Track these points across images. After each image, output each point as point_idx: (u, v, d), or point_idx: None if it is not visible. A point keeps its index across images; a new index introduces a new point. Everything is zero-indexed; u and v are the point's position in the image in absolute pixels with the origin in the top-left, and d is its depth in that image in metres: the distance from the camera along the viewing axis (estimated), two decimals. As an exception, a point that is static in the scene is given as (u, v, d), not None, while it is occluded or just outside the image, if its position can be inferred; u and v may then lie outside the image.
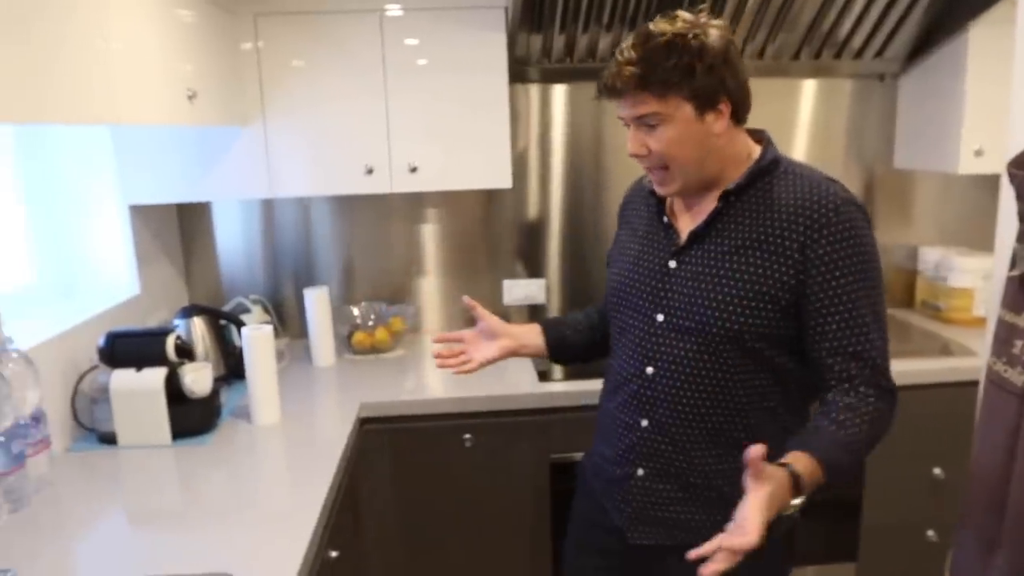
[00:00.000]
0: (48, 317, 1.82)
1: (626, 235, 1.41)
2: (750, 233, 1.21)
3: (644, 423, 1.30)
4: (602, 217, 2.49)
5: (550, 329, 1.54)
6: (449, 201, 2.48)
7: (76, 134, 1.99)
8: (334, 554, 1.43)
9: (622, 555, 1.37)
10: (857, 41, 2.30)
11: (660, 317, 1.27)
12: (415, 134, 2.10)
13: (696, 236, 1.25)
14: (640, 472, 1.32)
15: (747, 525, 0.97)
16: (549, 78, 2.39)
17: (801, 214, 1.18)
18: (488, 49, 2.08)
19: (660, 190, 1.27)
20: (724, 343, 1.22)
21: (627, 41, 1.19)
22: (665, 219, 1.31)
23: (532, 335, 1.52)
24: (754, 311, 1.19)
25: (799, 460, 1.08)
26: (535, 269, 2.53)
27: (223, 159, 2.08)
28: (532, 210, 2.50)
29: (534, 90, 2.42)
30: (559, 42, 2.22)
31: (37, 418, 1.49)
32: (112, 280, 2.08)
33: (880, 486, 2.07)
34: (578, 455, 1.88)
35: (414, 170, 2.12)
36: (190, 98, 1.66)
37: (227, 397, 1.94)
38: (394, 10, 2.04)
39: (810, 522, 1.99)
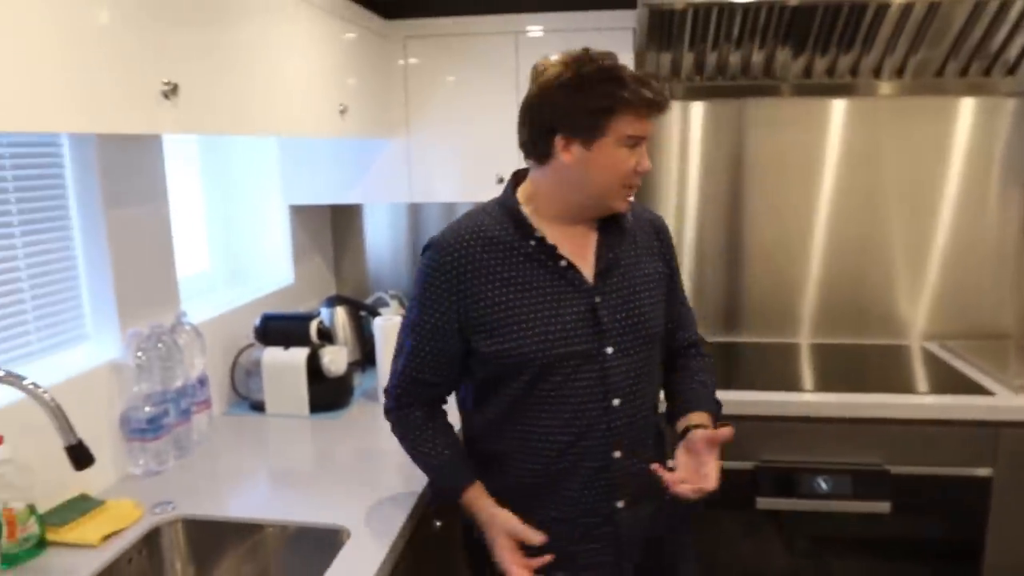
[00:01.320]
0: (217, 299, 2.11)
1: (508, 294, 1.26)
2: (635, 248, 1.36)
3: (617, 454, 1.30)
4: (739, 230, 2.51)
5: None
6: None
7: (247, 142, 2.29)
8: (438, 523, 1.58)
9: None
10: (1012, 53, 2.18)
11: (610, 350, 1.28)
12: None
13: (608, 265, 1.30)
14: (620, 504, 1.32)
15: (713, 476, 1.29)
16: (688, 95, 2.45)
17: (653, 225, 1.41)
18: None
19: (623, 207, 1.30)
20: (655, 347, 1.37)
21: (633, 70, 1.24)
22: (563, 262, 1.27)
23: None
24: (661, 310, 1.37)
25: (703, 419, 1.36)
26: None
27: (371, 166, 2.31)
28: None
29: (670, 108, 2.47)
30: (688, 60, 2.28)
31: (202, 381, 1.75)
32: (271, 270, 2.37)
33: (1004, 526, 1.96)
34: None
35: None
36: (341, 113, 1.88)
37: (360, 380, 2.15)
38: (533, 31, 2.19)
39: (926, 562, 1.95)
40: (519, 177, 1.35)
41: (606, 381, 1.28)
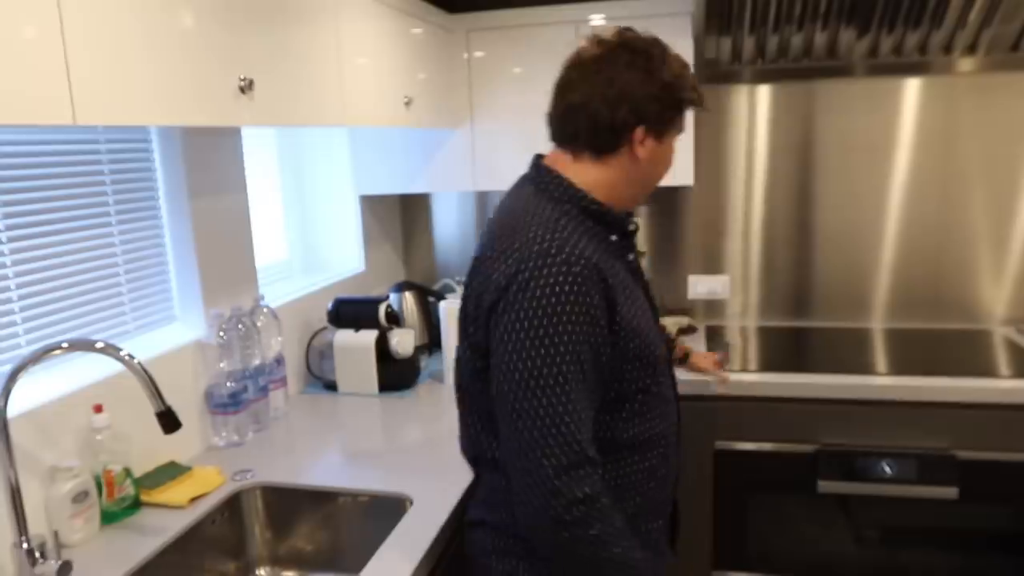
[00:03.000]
0: (294, 286, 2.24)
1: (627, 301, 1.14)
2: None
3: (673, 478, 1.29)
4: (806, 216, 2.49)
5: None
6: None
7: (320, 135, 2.41)
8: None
9: None
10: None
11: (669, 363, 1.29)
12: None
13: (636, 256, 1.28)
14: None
15: None
16: (755, 79, 2.43)
17: None
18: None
19: (641, 203, 1.28)
20: None
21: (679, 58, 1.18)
22: (631, 256, 1.24)
23: None
24: None
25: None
26: (718, 266, 2.59)
27: (437, 156, 2.40)
28: (727, 208, 2.55)
29: (736, 91, 2.47)
30: (749, 43, 2.27)
31: (279, 361, 1.86)
32: (344, 258, 2.48)
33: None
34: (745, 444, 1.96)
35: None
36: (406, 104, 1.96)
37: (427, 362, 2.24)
38: (595, 19, 2.22)
39: (997, 554, 1.91)
40: (542, 161, 1.22)
41: (672, 389, 1.28)
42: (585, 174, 1.18)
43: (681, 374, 2.04)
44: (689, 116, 1.27)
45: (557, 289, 1.04)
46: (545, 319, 1.03)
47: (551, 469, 1.02)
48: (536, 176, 1.21)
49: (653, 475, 1.20)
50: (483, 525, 1.24)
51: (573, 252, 1.06)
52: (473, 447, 1.25)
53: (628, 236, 1.23)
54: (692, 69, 1.21)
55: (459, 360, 1.23)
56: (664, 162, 1.21)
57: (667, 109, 1.15)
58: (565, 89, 1.18)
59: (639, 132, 1.14)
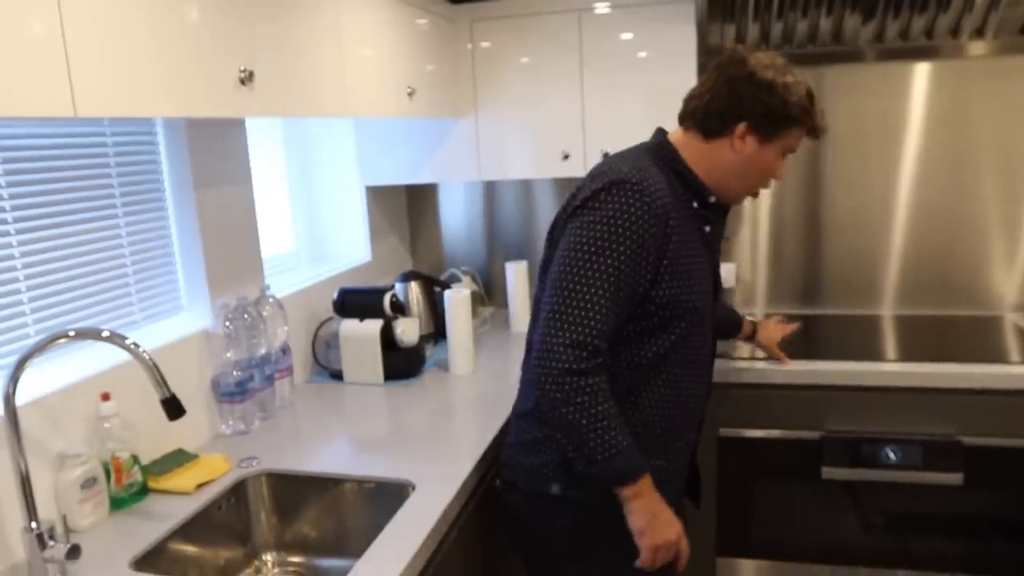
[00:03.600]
0: (300, 276, 2.26)
1: (684, 252, 1.33)
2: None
3: (697, 423, 1.51)
4: (814, 202, 2.48)
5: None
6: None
7: (325, 125, 2.43)
8: (498, 482, 1.66)
9: None
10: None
11: (714, 334, 1.50)
12: (607, 123, 2.27)
13: (716, 235, 1.45)
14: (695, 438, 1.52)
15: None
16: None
17: None
18: (678, 41, 2.18)
19: (737, 202, 1.45)
20: None
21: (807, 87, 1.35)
22: (708, 228, 1.41)
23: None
24: None
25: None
26: (726, 254, 2.58)
27: (442, 146, 2.41)
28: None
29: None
30: (753, 30, 2.26)
31: (284, 350, 1.89)
32: (350, 249, 2.50)
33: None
34: (749, 431, 1.97)
35: (606, 155, 2.29)
36: (409, 94, 1.97)
37: (432, 351, 2.26)
38: (600, 7, 2.22)
39: (1003, 541, 1.90)
40: (664, 136, 1.41)
41: (712, 337, 1.47)
42: (692, 150, 1.38)
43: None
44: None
45: (626, 210, 1.25)
46: (608, 229, 1.25)
47: (563, 336, 1.24)
48: (653, 137, 1.43)
49: (673, 405, 1.39)
50: (514, 415, 1.50)
51: (651, 187, 1.27)
52: (532, 330, 1.45)
53: (708, 208, 1.38)
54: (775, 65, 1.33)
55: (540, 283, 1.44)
56: (762, 168, 1.37)
57: (776, 119, 1.31)
58: (714, 75, 1.36)
59: (741, 127, 1.32)
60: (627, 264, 1.25)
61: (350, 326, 2.03)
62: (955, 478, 1.91)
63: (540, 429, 1.40)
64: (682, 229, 1.32)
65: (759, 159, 1.35)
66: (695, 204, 1.37)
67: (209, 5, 1.25)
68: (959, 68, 2.29)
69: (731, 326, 1.90)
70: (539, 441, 1.41)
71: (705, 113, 1.35)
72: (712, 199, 1.38)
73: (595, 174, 1.33)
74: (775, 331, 2.00)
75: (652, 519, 1.29)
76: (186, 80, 1.20)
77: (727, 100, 1.32)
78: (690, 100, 1.39)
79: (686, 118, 1.40)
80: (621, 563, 1.36)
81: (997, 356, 1.97)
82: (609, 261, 1.24)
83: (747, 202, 2.53)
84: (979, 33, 2.19)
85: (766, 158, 1.36)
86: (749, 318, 1.98)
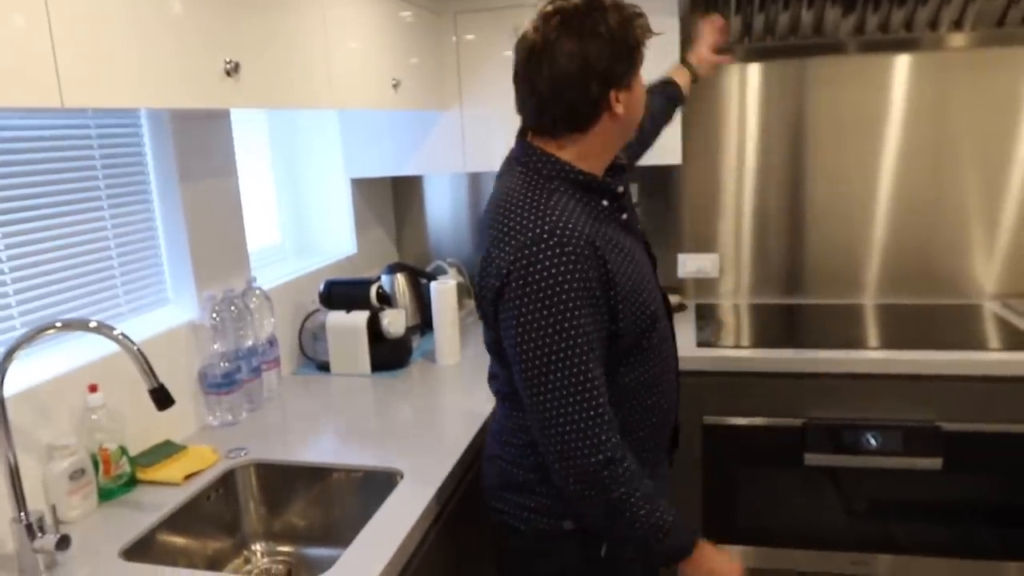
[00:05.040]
0: (287, 269, 2.26)
1: (623, 266, 1.19)
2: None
3: (676, 405, 1.40)
4: (797, 193, 2.51)
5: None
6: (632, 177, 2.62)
7: (310, 118, 2.43)
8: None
9: None
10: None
11: (667, 306, 1.37)
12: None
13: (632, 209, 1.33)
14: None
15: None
16: (745, 57, 2.43)
17: None
18: (661, 33, 2.19)
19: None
20: None
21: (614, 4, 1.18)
22: (624, 216, 1.27)
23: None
24: None
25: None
26: (710, 244, 2.61)
27: (427, 139, 2.41)
28: (719, 186, 2.56)
29: (726, 69, 2.46)
30: (736, 22, 2.28)
31: (271, 342, 1.89)
32: (335, 241, 2.50)
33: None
34: (734, 419, 1.97)
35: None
36: (394, 86, 1.98)
37: (419, 342, 2.27)
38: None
39: (982, 524, 1.94)
40: (533, 146, 1.23)
41: (671, 319, 1.39)
42: (570, 149, 1.21)
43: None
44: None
45: (554, 271, 1.10)
46: (547, 300, 1.10)
47: (575, 436, 1.11)
48: (524, 156, 1.24)
49: (654, 412, 1.29)
50: (496, 459, 1.34)
51: (565, 232, 1.11)
52: (492, 379, 1.35)
53: (618, 198, 1.25)
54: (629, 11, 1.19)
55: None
56: (639, 102, 1.24)
57: (625, 60, 1.17)
58: (529, 83, 1.20)
59: (612, 95, 1.17)
60: (588, 322, 1.12)
61: (337, 318, 2.04)
62: (935, 463, 1.94)
63: (528, 472, 1.27)
64: (609, 242, 1.18)
65: (635, 100, 1.21)
66: (605, 203, 1.23)
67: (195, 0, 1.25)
68: (938, 60, 2.33)
69: (671, 101, 1.80)
70: (532, 482, 1.27)
71: (571, 114, 1.18)
72: (620, 188, 1.25)
73: (497, 238, 1.16)
74: (706, 53, 1.93)
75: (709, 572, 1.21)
76: (173, 71, 1.20)
77: (584, 88, 1.15)
78: (540, 112, 1.20)
79: (547, 130, 1.21)
80: None
81: (976, 343, 2.01)
82: (570, 332, 1.10)
83: (731, 194, 2.55)
84: (957, 25, 2.23)
85: (638, 92, 1.22)
86: (684, 69, 1.89)
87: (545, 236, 1.11)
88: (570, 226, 1.12)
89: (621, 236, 1.23)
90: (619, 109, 1.18)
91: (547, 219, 1.13)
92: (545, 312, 1.10)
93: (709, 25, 1.95)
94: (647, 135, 1.71)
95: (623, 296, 1.17)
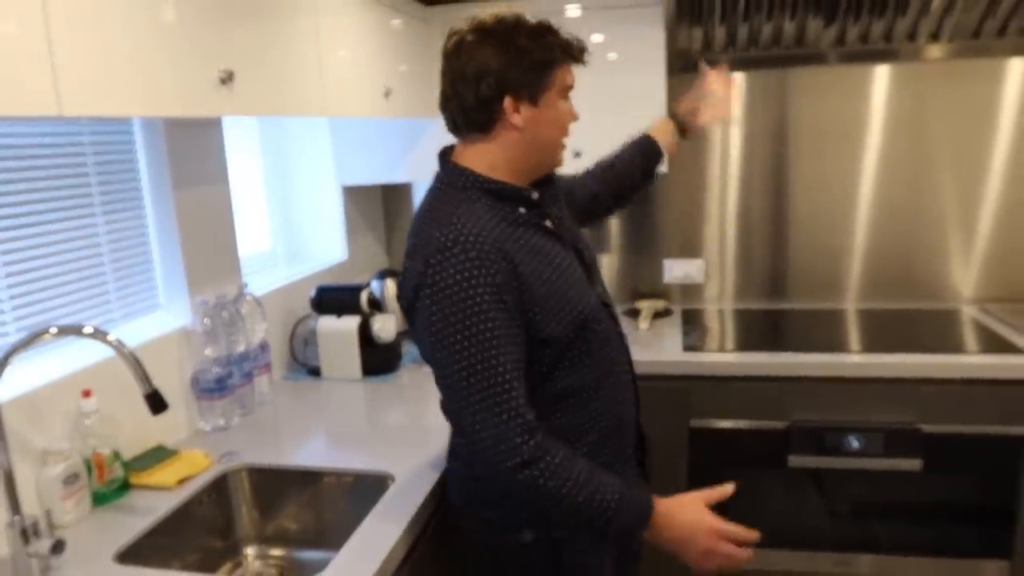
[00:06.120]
0: (278, 275, 2.28)
1: (541, 272, 1.21)
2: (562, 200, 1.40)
3: (632, 410, 1.39)
4: (780, 201, 2.55)
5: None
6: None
7: (301, 126, 2.45)
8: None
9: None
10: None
11: (599, 289, 1.35)
12: (578, 124, 2.31)
13: (560, 219, 1.32)
14: (635, 413, 1.41)
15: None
16: (728, 67, 2.46)
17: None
18: (647, 44, 2.24)
19: (562, 162, 1.32)
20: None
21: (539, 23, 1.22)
22: (548, 223, 1.29)
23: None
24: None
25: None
26: (695, 250, 2.65)
27: (417, 147, 2.44)
28: (703, 193, 2.60)
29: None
30: (720, 32, 2.32)
31: (263, 347, 1.91)
32: (326, 247, 2.53)
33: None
34: (718, 422, 2.00)
35: (578, 155, 2.33)
36: (385, 95, 2.00)
37: (409, 347, 2.29)
38: (571, 10, 2.27)
39: (961, 524, 1.98)
40: (448, 157, 1.29)
41: (621, 341, 1.36)
42: (482, 157, 1.25)
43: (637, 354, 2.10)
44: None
45: (459, 277, 1.12)
46: (455, 307, 1.12)
47: (491, 441, 1.13)
48: (442, 171, 1.29)
49: (602, 416, 1.30)
50: (454, 475, 1.39)
51: (469, 239, 1.14)
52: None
53: (537, 205, 1.27)
54: (560, 33, 1.23)
55: None
56: (554, 123, 1.25)
57: (529, 72, 1.19)
58: (441, 78, 1.25)
59: (508, 102, 1.20)
60: (498, 326, 1.13)
61: (328, 323, 2.06)
62: (915, 464, 1.99)
63: (488, 486, 1.29)
64: (525, 248, 1.20)
65: (546, 118, 1.23)
66: (521, 210, 1.25)
67: (190, 7, 1.27)
68: (917, 70, 2.38)
69: (642, 156, 1.67)
70: (494, 495, 1.29)
71: (465, 113, 1.23)
72: (535, 195, 1.27)
73: (410, 251, 1.21)
74: (696, 102, 1.72)
75: (682, 537, 1.22)
76: (168, 81, 1.22)
77: (476, 89, 1.19)
78: (445, 111, 1.27)
79: (456, 130, 1.27)
80: None
81: (954, 347, 2.06)
82: (480, 338, 1.12)
83: (715, 201, 2.59)
84: (935, 37, 2.28)
85: (551, 113, 1.24)
86: (669, 121, 1.73)
87: (449, 244, 1.14)
88: (474, 232, 1.15)
89: (543, 241, 1.25)
90: (516, 119, 1.21)
91: (452, 228, 1.16)
92: (453, 319, 1.12)
93: (713, 76, 1.73)
94: (612, 179, 1.64)
95: (539, 299, 1.18)
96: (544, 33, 1.21)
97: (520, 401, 1.14)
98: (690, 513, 1.22)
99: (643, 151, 1.67)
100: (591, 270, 1.35)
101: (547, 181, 1.34)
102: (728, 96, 1.72)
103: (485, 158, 1.25)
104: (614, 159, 1.67)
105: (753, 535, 1.24)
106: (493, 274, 1.13)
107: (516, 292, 1.16)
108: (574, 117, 1.30)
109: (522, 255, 1.19)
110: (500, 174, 1.25)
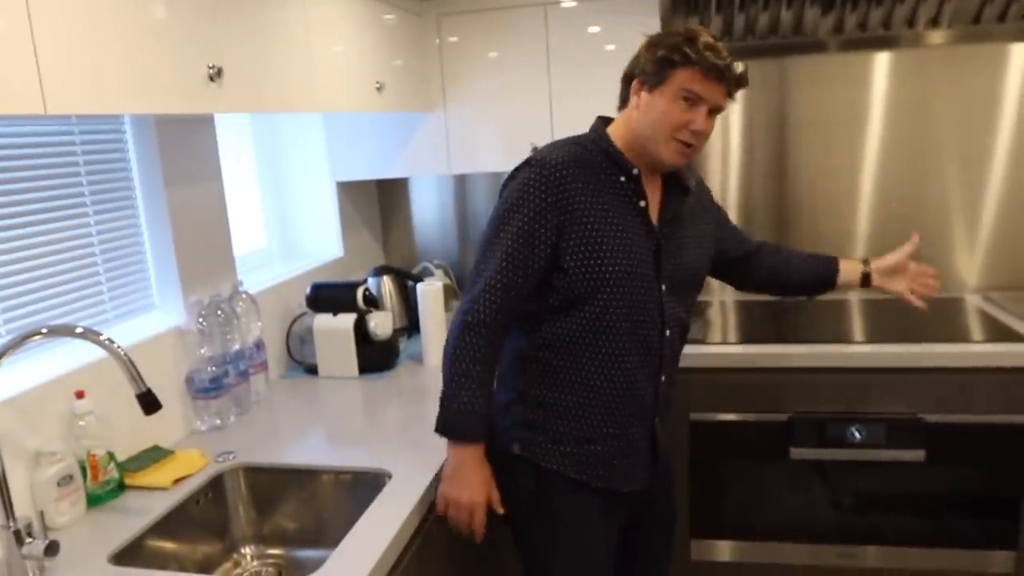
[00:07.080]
0: (273, 273, 2.26)
1: (597, 223, 1.37)
2: (697, 206, 1.54)
3: (663, 379, 1.48)
4: (781, 190, 2.53)
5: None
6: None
7: (294, 122, 2.43)
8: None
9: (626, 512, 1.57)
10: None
11: (664, 287, 1.43)
12: (575, 116, 2.30)
13: (672, 215, 1.46)
14: (657, 421, 1.51)
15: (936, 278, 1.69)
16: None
17: (703, 186, 1.62)
18: (643, 35, 2.21)
19: (678, 163, 1.41)
20: (697, 293, 1.54)
21: (715, 40, 1.35)
22: (643, 203, 1.41)
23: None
24: (708, 261, 1.56)
25: (856, 264, 1.69)
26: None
27: (412, 141, 2.42)
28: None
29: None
30: (716, 22, 2.30)
31: (259, 345, 1.89)
32: (322, 245, 2.51)
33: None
34: (720, 415, 1.97)
35: (534, 147, 2.32)
36: (378, 89, 1.99)
37: (406, 344, 2.28)
38: (565, 1, 2.25)
39: (965, 515, 1.97)
40: (605, 122, 1.48)
41: (663, 314, 1.44)
42: (616, 126, 1.46)
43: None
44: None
45: (523, 186, 1.36)
46: (508, 205, 1.37)
47: (471, 292, 1.38)
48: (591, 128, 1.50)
49: (618, 371, 1.42)
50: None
51: (550, 162, 1.37)
52: None
53: (634, 180, 1.40)
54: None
55: None
56: (656, 120, 1.37)
57: (657, 64, 1.35)
58: None
59: (635, 84, 1.40)
60: (523, 234, 1.35)
61: (324, 320, 2.05)
62: (917, 455, 1.97)
63: (508, 393, 1.48)
64: (596, 201, 1.37)
65: (651, 110, 1.36)
66: (622, 179, 1.40)
67: (177, 2, 1.26)
68: (917, 57, 2.36)
69: (817, 281, 1.69)
70: (506, 404, 1.48)
71: (621, 90, 1.45)
72: (635, 171, 1.40)
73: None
74: (897, 284, 1.69)
75: (456, 472, 1.39)
76: (155, 77, 1.21)
77: (626, 70, 1.44)
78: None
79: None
80: (579, 532, 1.46)
81: (957, 336, 2.04)
82: (505, 231, 1.36)
83: (716, 191, 2.55)
84: (935, 23, 2.26)
85: (657, 108, 1.36)
86: (860, 265, 1.68)
87: (532, 163, 1.38)
88: (556, 159, 1.37)
89: (624, 210, 1.39)
90: (635, 101, 1.39)
91: (547, 153, 1.39)
92: (505, 209, 1.38)
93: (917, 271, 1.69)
94: (777, 276, 1.71)
95: (577, 240, 1.36)
96: (683, 39, 1.33)
97: (498, 302, 1.35)
98: (474, 469, 1.40)
99: (820, 277, 1.70)
100: (660, 264, 1.43)
101: (681, 185, 1.48)
102: (930, 276, 1.70)
103: (617, 127, 1.45)
104: (792, 260, 1.73)
105: (478, 531, 1.42)
106: (547, 194, 1.35)
107: (560, 219, 1.35)
108: (681, 122, 1.35)
109: (583, 196, 1.36)
110: (619, 144, 1.42)
